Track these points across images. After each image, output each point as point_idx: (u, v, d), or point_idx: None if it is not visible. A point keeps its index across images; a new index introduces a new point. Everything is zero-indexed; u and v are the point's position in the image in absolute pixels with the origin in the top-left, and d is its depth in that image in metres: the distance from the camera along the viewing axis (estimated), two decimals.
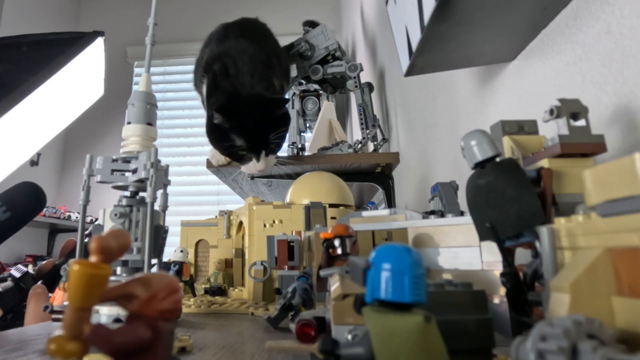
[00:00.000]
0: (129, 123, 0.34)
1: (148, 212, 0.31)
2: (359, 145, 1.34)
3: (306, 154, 1.63)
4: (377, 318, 0.18)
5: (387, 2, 0.65)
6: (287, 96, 1.00)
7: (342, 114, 2.51)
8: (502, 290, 0.34)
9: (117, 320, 0.30)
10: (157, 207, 0.32)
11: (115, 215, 0.32)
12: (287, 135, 1.08)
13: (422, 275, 0.18)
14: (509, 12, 0.44)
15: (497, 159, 0.30)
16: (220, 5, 3.22)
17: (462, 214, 0.43)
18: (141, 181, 0.32)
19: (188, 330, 0.48)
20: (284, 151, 2.27)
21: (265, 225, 0.74)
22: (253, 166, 0.98)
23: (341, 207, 0.82)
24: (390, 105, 1.45)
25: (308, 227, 0.69)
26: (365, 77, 1.45)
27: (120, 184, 0.33)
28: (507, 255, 0.29)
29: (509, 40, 0.51)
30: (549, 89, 0.48)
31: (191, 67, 1.11)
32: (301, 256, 0.62)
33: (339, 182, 0.88)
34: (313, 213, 0.69)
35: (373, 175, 1.33)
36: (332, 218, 0.76)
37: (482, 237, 0.30)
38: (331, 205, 0.80)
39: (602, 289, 0.19)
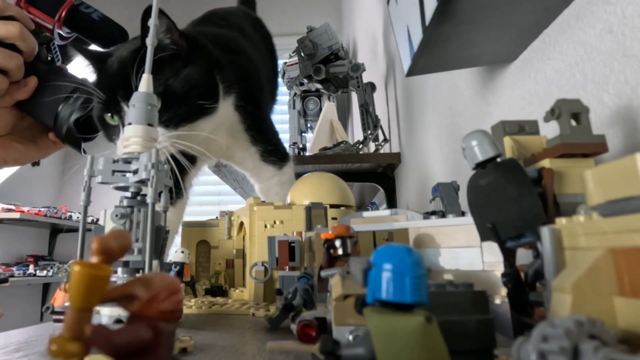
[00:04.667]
0: (129, 124, 0.34)
1: (149, 212, 0.31)
2: (360, 146, 1.34)
3: (307, 154, 1.63)
4: (378, 318, 0.18)
5: (388, 2, 0.65)
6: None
7: (344, 114, 2.51)
8: (504, 291, 0.34)
9: (118, 321, 0.30)
10: (158, 207, 0.32)
11: (116, 216, 0.32)
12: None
13: (423, 275, 0.18)
14: (510, 12, 0.44)
15: (498, 159, 0.30)
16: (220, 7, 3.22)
17: (463, 214, 0.43)
18: (142, 182, 0.32)
19: (189, 331, 0.48)
20: None
21: (266, 226, 0.74)
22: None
23: (342, 208, 0.82)
24: (391, 105, 1.45)
25: (309, 227, 0.69)
26: (367, 77, 1.45)
27: (122, 184, 0.33)
28: (509, 256, 0.29)
29: (510, 40, 0.51)
30: (550, 89, 0.48)
31: None
32: (302, 257, 0.62)
33: (340, 183, 0.88)
34: (314, 214, 0.69)
35: (374, 176, 1.33)
36: (333, 218, 0.76)
37: (483, 237, 0.30)
38: (332, 206, 0.80)
39: (604, 289, 0.19)
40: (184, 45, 0.67)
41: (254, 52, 0.94)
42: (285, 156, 0.93)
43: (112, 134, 0.67)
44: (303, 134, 1.86)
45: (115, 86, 0.64)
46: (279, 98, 1.18)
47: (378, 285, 0.18)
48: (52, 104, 0.62)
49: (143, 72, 0.61)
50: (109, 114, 0.65)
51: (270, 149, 0.89)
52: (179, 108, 0.67)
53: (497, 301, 0.34)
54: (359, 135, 1.43)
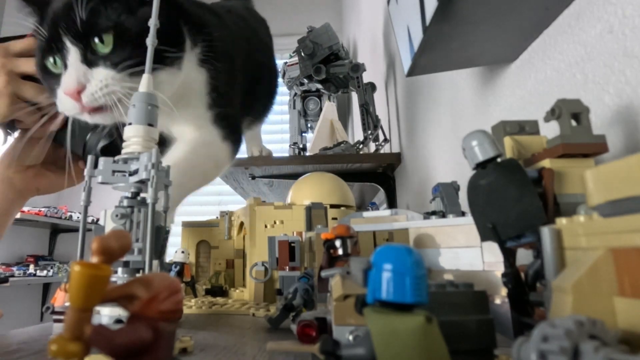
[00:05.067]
0: (130, 124, 0.34)
1: (149, 213, 0.31)
2: (360, 146, 1.34)
3: (307, 154, 1.63)
4: (379, 319, 0.18)
5: (388, 2, 0.65)
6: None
7: (344, 114, 2.51)
8: (504, 291, 0.34)
9: (118, 321, 0.30)
10: (158, 207, 0.32)
11: (117, 216, 0.32)
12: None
13: (423, 275, 0.18)
14: (511, 12, 0.44)
15: (499, 160, 0.30)
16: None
17: (463, 214, 0.43)
18: (142, 182, 0.32)
19: (189, 331, 0.48)
20: (284, 152, 2.26)
21: (266, 226, 0.74)
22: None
23: (342, 208, 0.82)
24: (391, 105, 1.45)
25: (309, 227, 0.69)
26: (367, 77, 1.45)
27: (122, 184, 0.33)
28: (509, 256, 0.29)
29: (510, 40, 0.51)
30: (550, 89, 0.48)
31: None
32: (302, 257, 0.62)
33: (340, 183, 0.88)
34: (314, 214, 0.69)
35: (374, 176, 1.33)
36: (333, 219, 0.76)
37: (484, 237, 0.30)
38: (332, 206, 0.80)
39: (604, 289, 0.19)
40: None
41: (241, 25, 0.82)
42: (235, 123, 0.74)
43: (53, 83, 0.58)
44: (303, 134, 1.87)
45: (58, 19, 0.55)
46: (279, 98, 1.13)
47: (378, 286, 0.18)
48: (81, 134, 0.64)
49: (89, 2, 0.53)
50: (51, 59, 0.57)
51: (228, 114, 0.71)
52: (133, 50, 0.56)
53: (497, 301, 0.34)
54: (359, 135, 1.43)
